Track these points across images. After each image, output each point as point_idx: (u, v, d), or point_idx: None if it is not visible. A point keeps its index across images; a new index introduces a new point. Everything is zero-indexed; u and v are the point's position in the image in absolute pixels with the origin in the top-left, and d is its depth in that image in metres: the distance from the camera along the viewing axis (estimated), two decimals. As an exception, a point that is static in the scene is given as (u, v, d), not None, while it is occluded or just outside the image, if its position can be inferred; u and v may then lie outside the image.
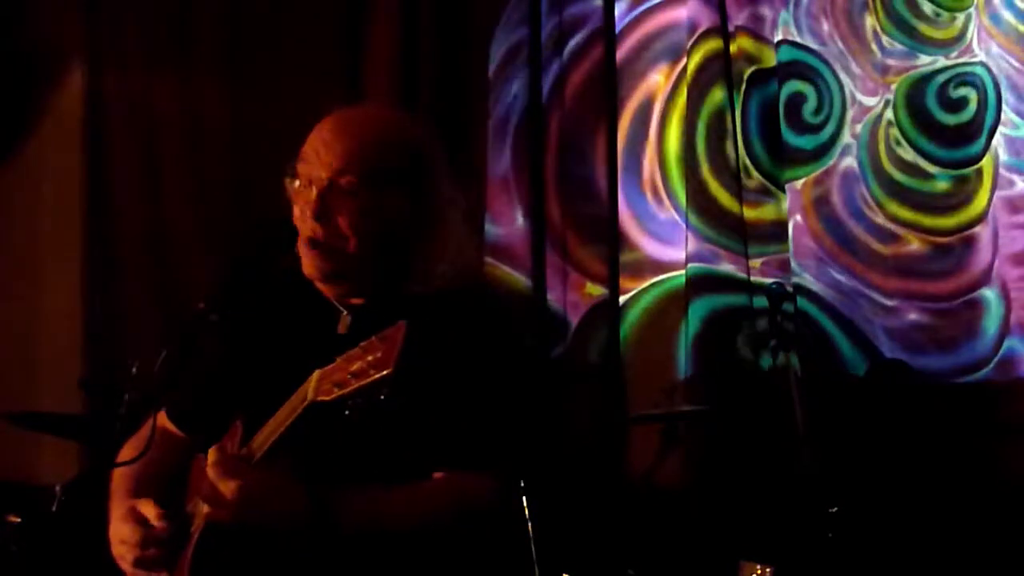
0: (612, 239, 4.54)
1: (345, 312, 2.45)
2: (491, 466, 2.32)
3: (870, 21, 4.35)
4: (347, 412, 2.13)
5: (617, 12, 4.62)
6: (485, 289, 2.49)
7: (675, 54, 4.55)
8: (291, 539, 2.27)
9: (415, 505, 2.29)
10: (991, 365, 4.16)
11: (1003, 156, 4.16)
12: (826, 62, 4.40)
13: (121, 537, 2.43)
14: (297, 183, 2.38)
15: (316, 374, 2.17)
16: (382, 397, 2.08)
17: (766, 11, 4.41)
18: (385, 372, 2.06)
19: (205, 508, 2.27)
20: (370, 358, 2.08)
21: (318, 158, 2.36)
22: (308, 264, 2.38)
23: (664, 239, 4.57)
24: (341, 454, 2.30)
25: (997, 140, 4.16)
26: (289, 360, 2.36)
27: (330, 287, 2.44)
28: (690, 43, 4.44)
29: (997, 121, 4.16)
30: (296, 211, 2.39)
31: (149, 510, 2.42)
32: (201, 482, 2.43)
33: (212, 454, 2.25)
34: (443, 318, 2.33)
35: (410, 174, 2.38)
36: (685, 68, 4.47)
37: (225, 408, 2.47)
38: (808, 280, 4.36)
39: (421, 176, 2.40)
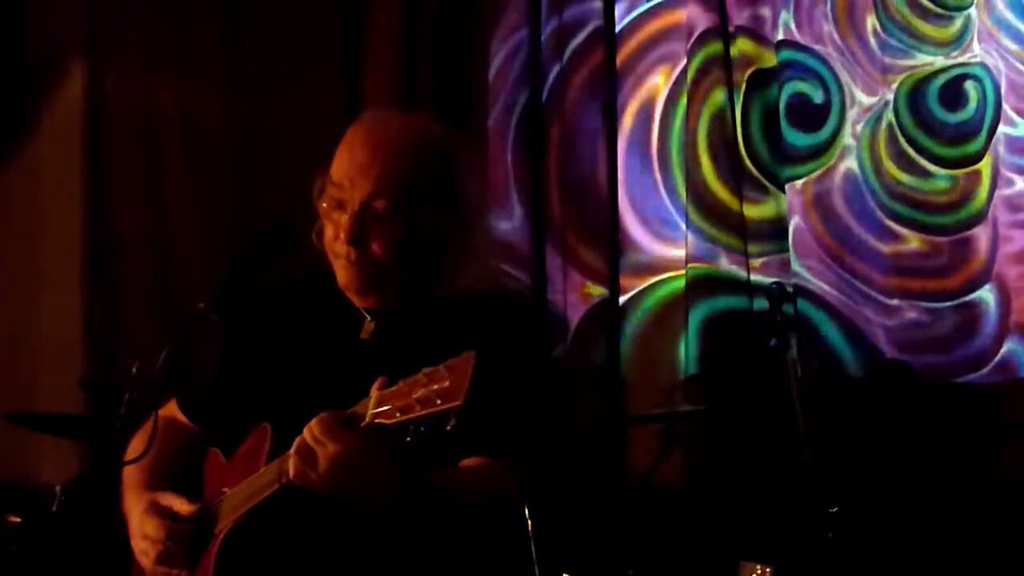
0: (612, 239, 4.55)
1: (369, 318, 2.44)
2: (516, 458, 2.32)
3: (870, 21, 4.35)
4: (408, 439, 2.08)
5: (617, 12, 4.62)
6: (504, 293, 2.49)
7: (675, 55, 4.56)
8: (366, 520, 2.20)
9: (469, 489, 2.27)
10: (991, 365, 4.15)
11: (1003, 155, 4.16)
12: (826, 62, 4.40)
13: (144, 532, 2.41)
14: (326, 204, 2.37)
15: (375, 395, 2.12)
16: (449, 428, 2.03)
17: (766, 11, 4.40)
18: (454, 404, 2.01)
19: (292, 469, 2.16)
20: (436, 387, 2.03)
21: (351, 183, 2.34)
22: (343, 278, 2.38)
23: (664, 239, 4.57)
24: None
25: (997, 139, 4.16)
26: (313, 364, 2.37)
27: (362, 298, 2.44)
28: (690, 44, 4.44)
29: (997, 120, 4.16)
30: (328, 231, 2.38)
31: (175, 502, 2.41)
32: (216, 476, 2.42)
33: (320, 417, 2.15)
34: (468, 322, 2.33)
35: (442, 189, 2.39)
36: (685, 69, 4.47)
37: (240, 404, 2.47)
38: (808, 280, 4.36)
39: (453, 189, 2.40)
